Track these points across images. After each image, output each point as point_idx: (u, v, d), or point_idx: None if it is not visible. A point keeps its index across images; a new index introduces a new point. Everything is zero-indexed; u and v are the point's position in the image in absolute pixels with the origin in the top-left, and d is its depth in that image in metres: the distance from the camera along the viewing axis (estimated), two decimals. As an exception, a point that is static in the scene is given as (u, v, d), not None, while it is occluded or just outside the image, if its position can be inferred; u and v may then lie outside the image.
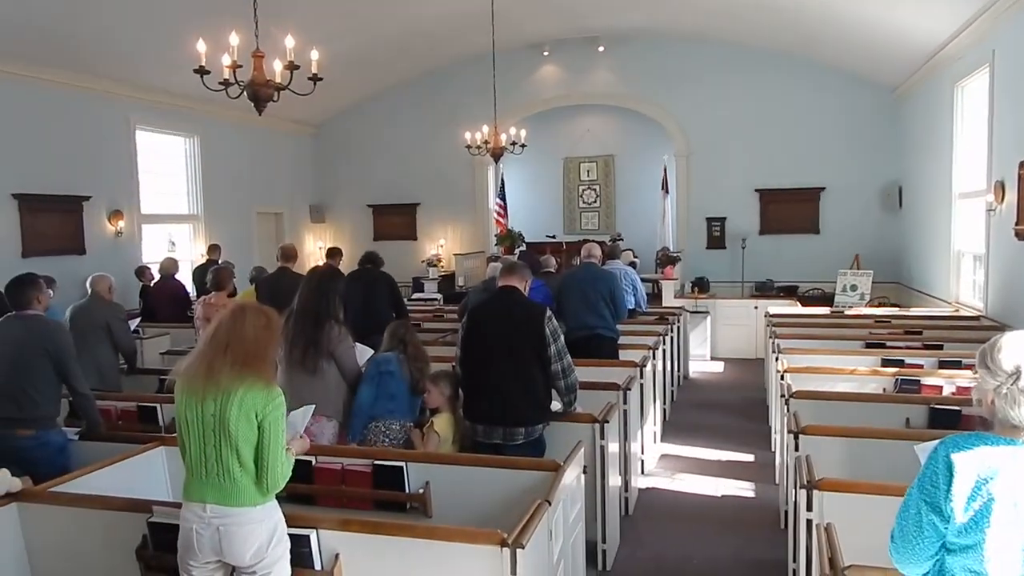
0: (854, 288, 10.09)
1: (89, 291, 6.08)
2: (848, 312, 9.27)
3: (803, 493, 3.24)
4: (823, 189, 12.90)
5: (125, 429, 4.93)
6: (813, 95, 12.74)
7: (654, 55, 13.40)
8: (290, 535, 2.86)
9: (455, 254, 14.35)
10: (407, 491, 3.69)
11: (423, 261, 14.44)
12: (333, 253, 8.28)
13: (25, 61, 8.77)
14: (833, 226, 12.83)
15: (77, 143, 9.68)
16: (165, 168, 11.65)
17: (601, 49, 13.47)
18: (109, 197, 10.18)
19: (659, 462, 6.47)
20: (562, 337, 4.27)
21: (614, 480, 4.67)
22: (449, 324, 8.20)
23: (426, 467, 3.71)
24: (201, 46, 5.60)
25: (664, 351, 7.44)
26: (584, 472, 3.86)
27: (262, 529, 2.73)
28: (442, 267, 14.29)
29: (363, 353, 4.67)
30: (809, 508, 3.21)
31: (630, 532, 4.94)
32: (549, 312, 4.26)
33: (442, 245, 14.77)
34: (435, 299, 12.34)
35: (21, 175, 8.89)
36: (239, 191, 12.83)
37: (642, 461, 5.95)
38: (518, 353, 4.13)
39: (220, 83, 5.61)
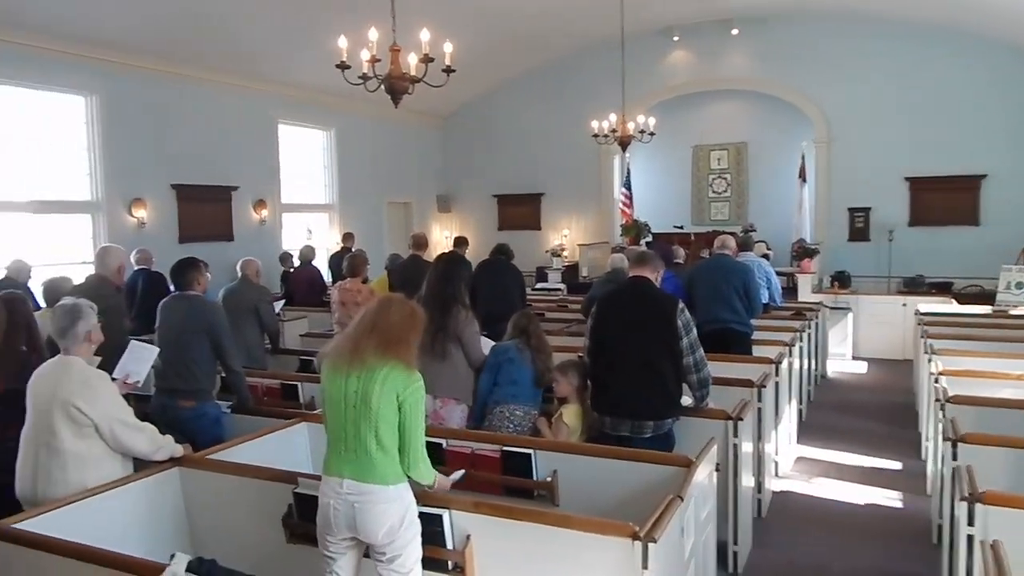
0: (1020, 286, 9.21)
1: (239, 274, 6.45)
2: (1013, 312, 8.50)
3: (963, 506, 3.00)
4: (984, 176, 11.91)
5: (270, 405, 5.21)
6: (970, 72, 11.77)
7: (791, 36, 12.81)
8: (423, 514, 2.92)
9: (579, 244, 14.30)
10: (535, 478, 3.70)
11: (547, 251, 14.48)
12: (460, 242, 8.44)
13: (184, 63, 9.46)
14: (996, 217, 11.82)
15: (227, 137, 10.37)
16: (304, 160, 12.23)
17: (735, 32, 13.01)
18: (254, 187, 10.83)
19: (795, 464, 6.19)
20: (695, 330, 4.15)
21: (747, 480, 4.50)
22: (573, 315, 8.15)
23: (554, 455, 3.70)
24: (343, 42, 5.82)
25: (801, 348, 7.09)
26: (716, 470, 3.74)
27: (394, 509, 2.80)
28: (566, 257, 14.27)
29: (485, 345, 4.72)
30: (970, 523, 2.96)
31: (763, 535, 4.75)
32: (682, 304, 4.14)
33: (566, 235, 14.75)
34: (558, 289, 12.35)
35: (179, 167, 9.63)
36: (371, 182, 13.31)
37: (776, 463, 5.71)
38: (649, 345, 4.04)
39: (359, 77, 5.81)
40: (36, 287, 6.13)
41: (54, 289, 5.00)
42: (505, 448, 3.78)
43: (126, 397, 3.78)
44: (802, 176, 13.26)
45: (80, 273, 5.94)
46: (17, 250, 7.73)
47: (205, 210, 9.97)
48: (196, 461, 3.64)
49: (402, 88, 5.68)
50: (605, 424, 4.12)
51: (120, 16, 8.32)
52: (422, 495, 2.97)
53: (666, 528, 2.77)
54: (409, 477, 2.87)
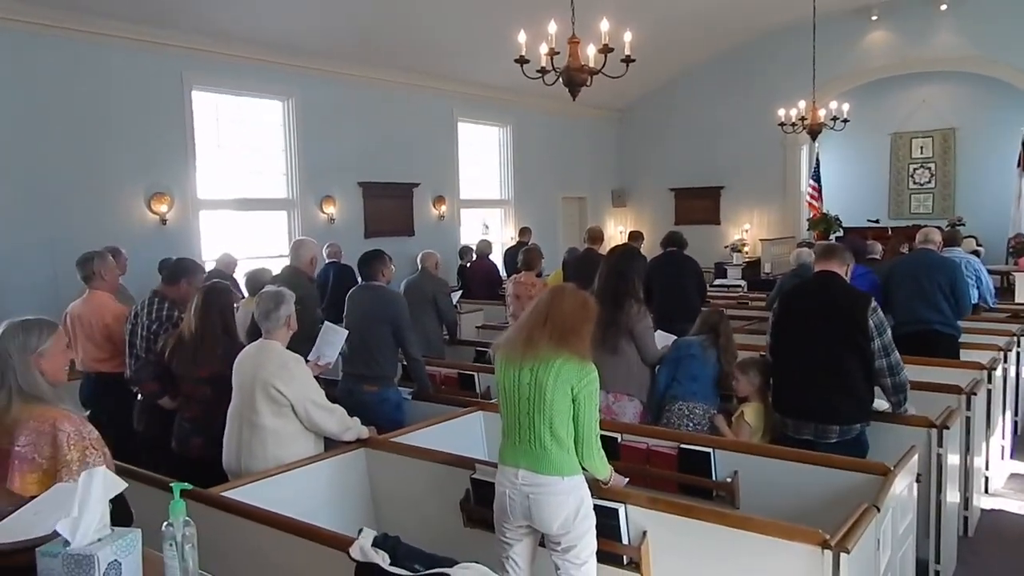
0: None
1: (419, 267, 6.72)
2: None
3: None
4: None
5: (447, 393, 5.38)
6: None
7: (1012, 8, 11.46)
8: (600, 507, 2.89)
9: (761, 240, 13.66)
10: (713, 478, 3.56)
11: (726, 246, 13.96)
12: (635, 236, 8.29)
13: (374, 65, 10.02)
14: None
15: (410, 136, 10.87)
16: (481, 157, 12.56)
17: (944, 7, 11.84)
18: (434, 184, 11.27)
19: (1008, 482, 5.53)
20: (889, 331, 3.79)
21: (952, 495, 4.07)
22: (754, 312, 7.79)
23: (735, 456, 3.54)
24: (522, 36, 5.89)
25: (1018, 354, 6.34)
26: (917, 481, 3.40)
27: (569, 501, 2.78)
28: (746, 253, 13.69)
29: (664, 339, 4.59)
30: None
31: (970, 556, 4.28)
32: (874, 302, 3.80)
33: (747, 230, 14.14)
34: (739, 285, 11.86)
35: (365, 165, 10.22)
36: (546, 177, 13.45)
37: (987, 478, 5.13)
38: (835, 344, 3.74)
39: (537, 71, 5.85)
40: (241, 278, 6.73)
41: (255, 279, 5.44)
42: (683, 446, 3.67)
43: (317, 380, 4.04)
44: (1021, 165, 11.85)
45: (276, 265, 6.43)
46: (224, 244, 8.56)
47: (389, 206, 10.51)
48: (381, 443, 3.80)
49: (581, 80, 5.66)
50: (787, 426, 3.88)
51: (317, 21, 8.92)
52: (598, 488, 2.93)
53: (860, 538, 2.56)
54: (584, 470, 2.84)
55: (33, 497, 2.18)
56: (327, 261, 8.14)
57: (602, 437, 3.72)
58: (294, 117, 9.63)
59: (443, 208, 11.39)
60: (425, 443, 3.86)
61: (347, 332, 4.26)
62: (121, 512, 2.43)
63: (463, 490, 3.39)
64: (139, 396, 4.35)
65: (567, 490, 2.78)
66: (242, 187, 9.34)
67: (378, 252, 4.92)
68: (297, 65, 9.43)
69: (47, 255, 6.89)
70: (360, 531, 2.63)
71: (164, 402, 4.08)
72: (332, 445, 3.75)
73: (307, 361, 3.91)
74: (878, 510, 2.76)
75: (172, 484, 1.68)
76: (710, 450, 3.57)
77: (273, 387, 3.48)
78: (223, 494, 3.18)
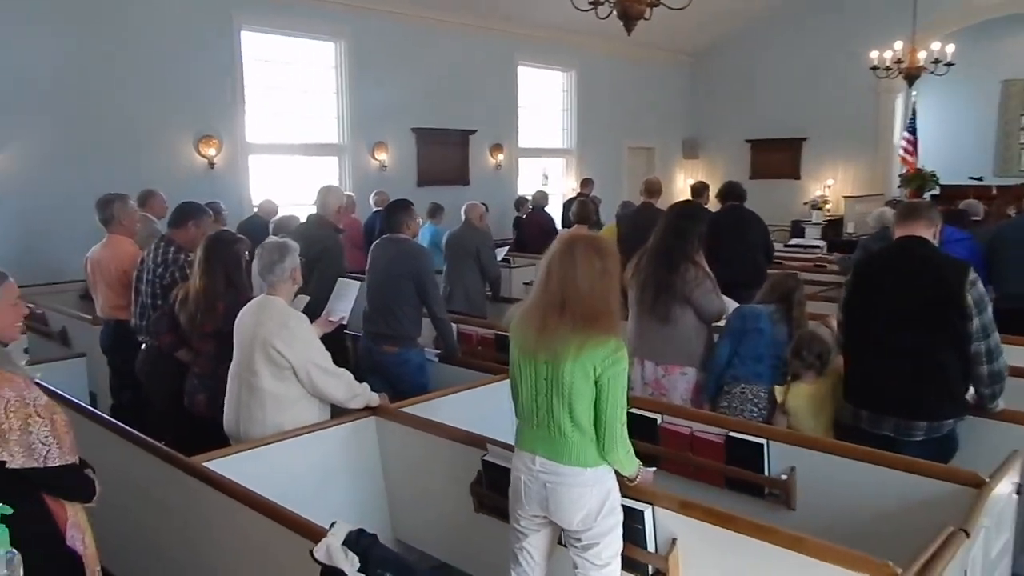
0: None
1: (463, 218, 6.32)
2: None
3: None
4: None
5: (483, 356, 4.98)
6: None
7: None
8: (623, 507, 2.50)
9: (845, 196, 12.63)
10: (766, 473, 3.07)
11: (805, 203, 13.04)
12: (698, 190, 7.60)
13: (427, 5, 9.50)
14: None
15: (467, 80, 10.39)
16: (542, 103, 11.99)
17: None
18: (491, 131, 10.79)
19: None
20: (990, 308, 3.14)
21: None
22: (833, 276, 7.07)
23: (793, 449, 3.03)
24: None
25: None
26: (1018, 493, 2.82)
27: (592, 494, 2.41)
28: (828, 211, 12.74)
29: (727, 306, 4.07)
30: None
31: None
32: (973, 273, 3.15)
33: (829, 186, 13.15)
34: (817, 246, 11.02)
35: (419, 111, 9.81)
36: (611, 125, 12.77)
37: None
38: (924, 323, 3.11)
39: (589, 3, 5.26)
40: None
41: (281, 227, 5.14)
42: (731, 434, 3.18)
43: (330, 337, 3.71)
44: None
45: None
46: (273, 190, 8.32)
47: (443, 153, 10.11)
48: (391, 412, 3.50)
49: (637, 12, 5.06)
50: (861, 419, 3.28)
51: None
52: (622, 486, 2.52)
53: (942, 572, 2.04)
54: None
55: None
56: (374, 210, 7.83)
57: (640, 418, 3.39)
58: (346, 59, 9.25)
59: (500, 157, 10.91)
60: (446, 412, 3.54)
61: (358, 284, 3.91)
62: (77, 484, 2.17)
63: (476, 472, 3.04)
64: (142, 345, 4.15)
65: (590, 482, 2.42)
66: (292, 131, 9.09)
67: (404, 202, 4.55)
68: (350, 4, 9.02)
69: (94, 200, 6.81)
70: (332, 525, 2.27)
71: (181, 355, 3.88)
72: (340, 412, 3.46)
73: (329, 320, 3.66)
74: (967, 535, 2.23)
75: None
76: (763, 441, 3.08)
77: (273, 347, 3.19)
78: (209, 463, 2.94)
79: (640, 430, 3.43)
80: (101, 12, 7.28)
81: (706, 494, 3.11)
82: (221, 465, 2.93)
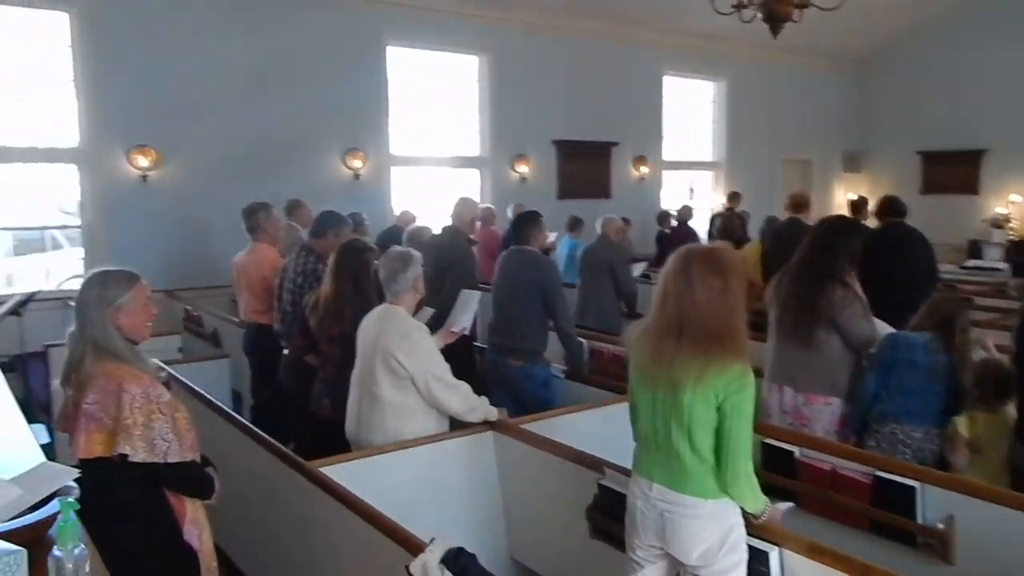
0: None
1: (599, 231, 6.19)
2: None
3: None
4: None
5: (613, 374, 4.79)
6: None
7: None
8: (747, 545, 2.28)
9: (1032, 214, 11.41)
10: (919, 520, 2.72)
11: (984, 220, 11.84)
12: (857, 206, 7.05)
13: (569, 15, 9.47)
14: None
15: (610, 92, 10.24)
16: (689, 114, 11.63)
17: None
18: (635, 143, 10.59)
19: None
20: None
21: None
22: (1016, 303, 6.30)
23: (953, 496, 2.67)
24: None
25: None
26: None
27: (713, 528, 2.23)
28: (1011, 230, 11.52)
29: (879, 332, 3.67)
30: None
31: None
32: None
33: (1014, 202, 11.88)
34: (997, 269, 9.97)
35: (561, 123, 9.85)
36: (764, 137, 12.19)
37: None
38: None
39: (732, 6, 4.99)
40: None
41: (414, 237, 5.22)
42: (879, 473, 2.85)
43: (456, 349, 3.69)
44: None
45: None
46: (414, 201, 8.54)
47: (584, 166, 10.02)
48: (510, 428, 3.42)
49: (783, 14, 4.74)
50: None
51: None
52: (747, 523, 2.30)
53: None
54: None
55: (99, 458, 2.11)
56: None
57: (775, 450, 3.12)
58: (489, 72, 9.39)
59: (643, 169, 10.66)
60: (567, 431, 3.41)
61: (479, 294, 3.87)
62: (196, 481, 2.23)
63: (592, 496, 2.90)
64: (284, 350, 4.28)
65: (711, 514, 2.23)
66: (434, 144, 9.30)
67: (533, 214, 4.47)
68: (495, 17, 9.13)
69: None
70: (431, 541, 2.20)
71: (310, 358, 3.99)
72: (459, 424, 3.42)
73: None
74: None
75: (60, 500, 1.31)
76: (916, 484, 2.73)
77: (393, 357, 3.19)
78: (325, 468, 2.97)
79: (775, 462, 3.19)
80: (259, 30, 7.73)
81: (847, 538, 2.82)
82: (338, 471, 2.96)
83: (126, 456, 2.08)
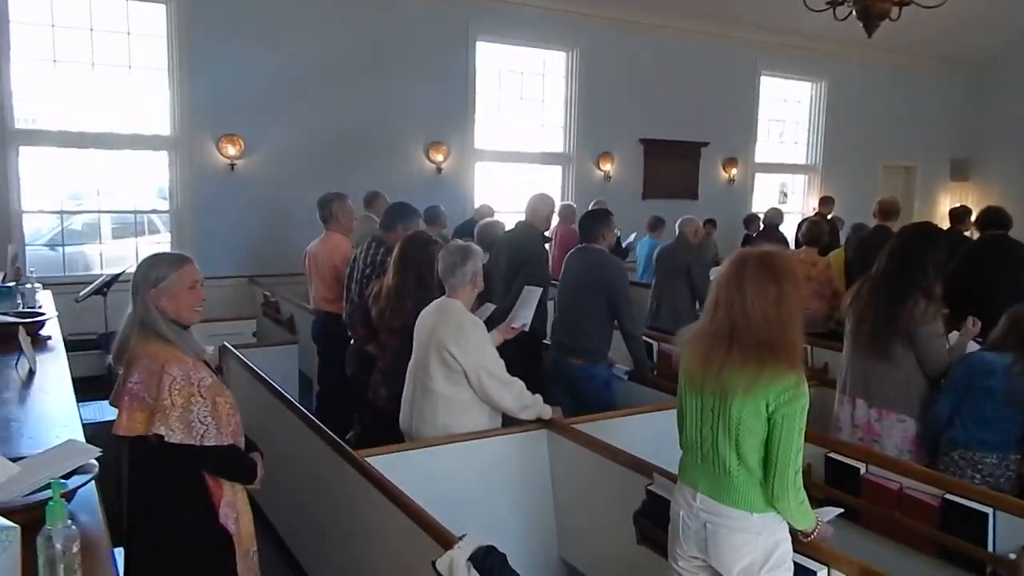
0: None
1: (677, 232, 6.06)
2: None
3: None
4: None
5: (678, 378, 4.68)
6: None
7: None
8: (794, 563, 2.19)
9: None
10: (991, 549, 2.55)
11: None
12: (960, 215, 6.60)
13: (662, 11, 9.28)
14: None
15: (702, 91, 9.98)
16: (785, 115, 11.23)
17: None
18: (725, 144, 10.30)
19: None
20: None
21: None
22: None
23: (1029, 525, 2.47)
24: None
25: None
26: None
27: (757, 544, 2.13)
28: None
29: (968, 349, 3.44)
30: None
31: None
32: None
33: None
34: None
35: (649, 122, 9.61)
36: (865, 141, 11.64)
37: None
38: None
39: (827, 2, 4.76)
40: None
41: (484, 231, 5.20)
42: (949, 496, 2.68)
43: (523, 345, 3.66)
44: None
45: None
46: (496, 197, 8.54)
47: (671, 166, 9.81)
48: (564, 427, 3.37)
49: (880, 11, 4.50)
50: None
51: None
52: (795, 541, 2.21)
53: None
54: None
55: (139, 437, 2.15)
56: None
57: (841, 465, 2.98)
58: (577, 68, 9.27)
59: (733, 171, 10.36)
60: (624, 434, 3.36)
61: (540, 290, 3.82)
62: (232, 465, 2.28)
63: (641, 501, 2.84)
64: (351, 340, 4.36)
65: (756, 529, 2.14)
66: (518, 140, 9.28)
67: (602, 212, 4.41)
68: (586, 13, 9.04)
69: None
70: (461, 537, 2.18)
71: (371, 348, 4.04)
72: (511, 421, 3.39)
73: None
74: None
75: (49, 479, 1.34)
76: (989, 511, 2.54)
77: (447, 350, 3.19)
78: (372, 458, 2.99)
79: (840, 479, 3.06)
80: (348, 22, 7.85)
81: (912, 562, 2.71)
82: (385, 461, 2.97)
83: (161, 436, 2.11)
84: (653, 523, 2.74)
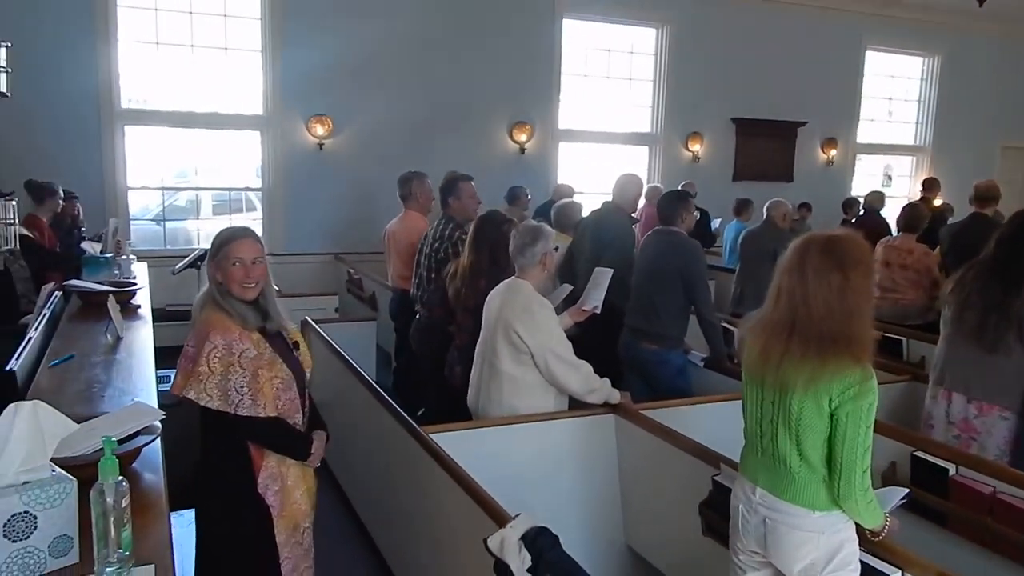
0: None
1: (764, 215, 5.83)
2: None
3: None
4: None
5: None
6: None
7: None
8: (865, 566, 2.07)
9: None
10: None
11: None
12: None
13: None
14: None
15: (799, 67, 9.55)
16: (892, 93, 10.60)
17: None
18: (825, 124, 9.84)
19: None
20: None
21: None
22: None
23: None
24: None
25: None
26: None
27: (820, 543, 2.03)
28: None
29: None
30: None
31: None
32: None
33: None
34: None
35: (741, 100, 9.26)
36: (982, 121, 10.88)
37: None
38: None
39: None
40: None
41: (562, 213, 5.13)
42: (1048, 504, 2.46)
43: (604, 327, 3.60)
44: None
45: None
46: (580, 178, 8.45)
47: (765, 147, 9.43)
48: (631, 413, 3.30)
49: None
50: None
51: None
52: (865, 540, 2.09)
53: None
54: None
55: (185, 397, 2.21)
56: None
57: (928, 465, 2.82)
58: (667, 46, 9.02)
59: (833, 152, 9.85)
60: (694, 422, 3.27)
61: (611, 271, 3.73)
62: (266, 437, 2.31)
63: (707, 491, 2.76)
64: (417, 315, 4.41)
65: (818, 527, 2.04)
66: (604, 119, 9.12)
67: (681, 193, 4.28)
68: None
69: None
70: (515, 517, 2.16)
71: (453, 328, 4.04)
72: (578, 404, 3.34)
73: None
74: None
75: (103, 437, 1.38)
76: (1091, 519, 2.32)
77: (514, 331, 3.17)
78: (437, 435, 3.01)
79: (926, 480, 2.88)
80: (433, 1, 7.89)
81: (1001, 571, 2.54)
82: (450, 438, 2.98)
83: (191, 400, 2.16)
84: (719, 514, 2.65)
